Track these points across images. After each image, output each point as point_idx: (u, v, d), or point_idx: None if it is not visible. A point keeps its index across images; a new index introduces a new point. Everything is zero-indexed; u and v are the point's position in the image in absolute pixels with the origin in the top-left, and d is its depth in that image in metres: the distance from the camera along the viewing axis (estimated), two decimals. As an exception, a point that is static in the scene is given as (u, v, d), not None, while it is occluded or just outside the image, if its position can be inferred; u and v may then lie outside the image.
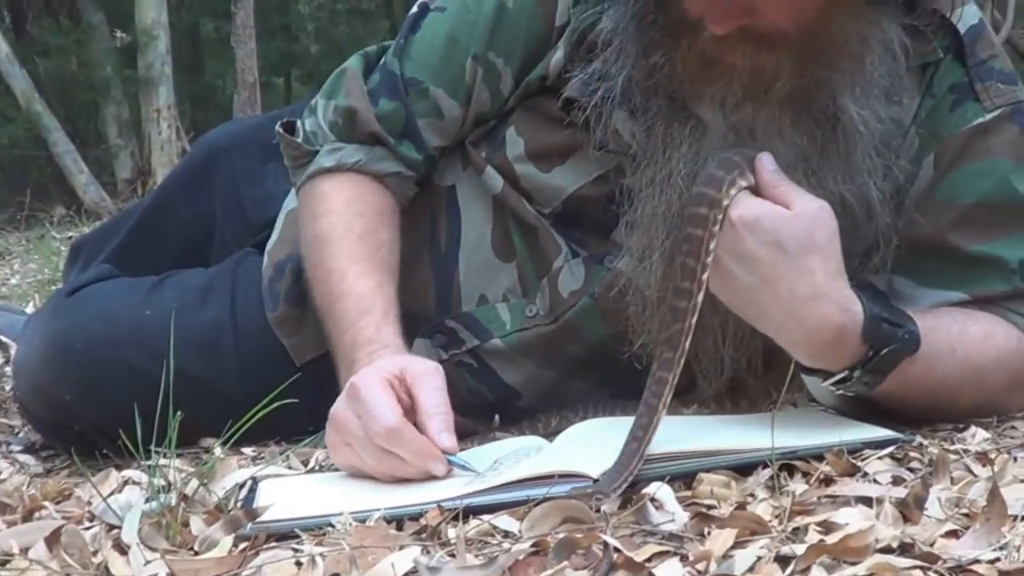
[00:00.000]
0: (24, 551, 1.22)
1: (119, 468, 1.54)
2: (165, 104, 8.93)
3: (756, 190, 1.37)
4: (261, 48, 10.29)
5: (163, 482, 1.33)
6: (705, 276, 1.34)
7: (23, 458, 1.82)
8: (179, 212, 2.04)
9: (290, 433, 1.66)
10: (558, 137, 1.61)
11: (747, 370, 1.57)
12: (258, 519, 1.22)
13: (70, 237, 6.74)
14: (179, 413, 1.37)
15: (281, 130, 1.70)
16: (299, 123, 1.71)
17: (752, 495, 1.24)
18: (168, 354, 1.48)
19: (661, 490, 1.16)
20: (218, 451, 1.52)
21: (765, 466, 1.29)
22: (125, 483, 1.44)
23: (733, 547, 1.06)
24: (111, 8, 11.24)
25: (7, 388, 2.14)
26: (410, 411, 1.37)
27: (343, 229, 1.60)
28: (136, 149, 9.60)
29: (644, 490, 1.18)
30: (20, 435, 1.96)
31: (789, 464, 1.30)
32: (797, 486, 1.25)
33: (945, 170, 1.53)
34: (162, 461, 1.40)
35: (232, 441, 1.46)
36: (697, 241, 1.34)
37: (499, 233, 1.67)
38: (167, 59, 9.00)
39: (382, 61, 1.69)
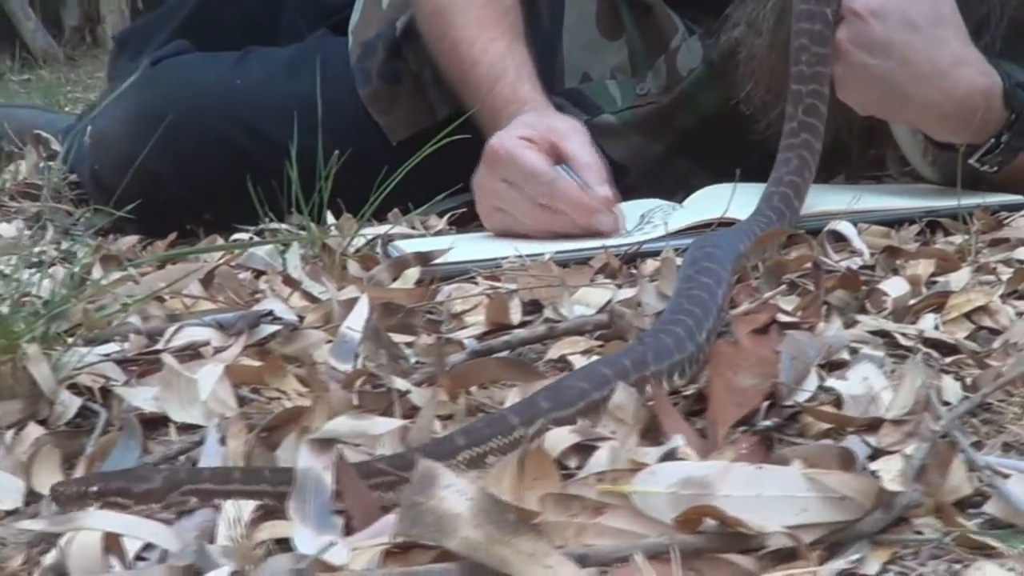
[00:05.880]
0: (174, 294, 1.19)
1: (224, 238, 1.51)
2: (113, -50, 8.68)
3: None
4: None
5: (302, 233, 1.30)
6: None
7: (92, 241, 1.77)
8: (242, -4, 1.97)
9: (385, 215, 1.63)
10: None
11: (849, 135, 1.53)
12: (431, 262, 1.20)
13: (27, 79, 6.55)
14: (336, 158, 1.33)
15: None
16: None
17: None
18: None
19: (843, 226, 1.14)
20: (330, 217, 1.48)
21: (912, 223, 1.29)
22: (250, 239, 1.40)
23: (933, 275, 1.06)
24: None
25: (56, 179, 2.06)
26: None
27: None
28: (83, -5, 9.36)
29: (826, 228, 1.16)
30: (82, 220, 1.90)
31: (933, 222, 1.30)
32: (953, 238, 1.25)
33: None
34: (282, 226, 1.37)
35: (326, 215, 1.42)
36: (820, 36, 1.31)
37: (605, 10, 1.64)
38: (117, -98, 8.73)
39: None
